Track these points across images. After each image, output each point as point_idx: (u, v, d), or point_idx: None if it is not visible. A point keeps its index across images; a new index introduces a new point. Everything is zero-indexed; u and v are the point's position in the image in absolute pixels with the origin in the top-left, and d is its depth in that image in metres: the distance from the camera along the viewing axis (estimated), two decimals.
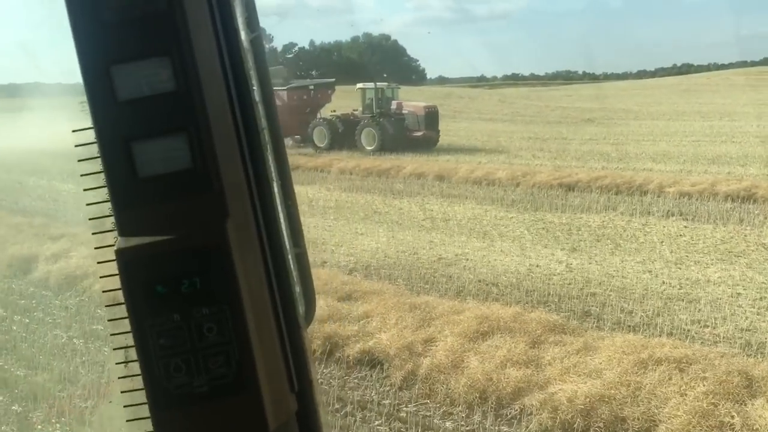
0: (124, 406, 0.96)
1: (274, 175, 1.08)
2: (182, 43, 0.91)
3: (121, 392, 0.97)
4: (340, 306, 8.38)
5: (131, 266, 0.92)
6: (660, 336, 7.49)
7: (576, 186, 17.81)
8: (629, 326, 8.10)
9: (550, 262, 11.13)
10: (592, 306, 8.91)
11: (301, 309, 1.11)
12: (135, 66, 0.90)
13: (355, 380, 7.02)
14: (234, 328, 0.93)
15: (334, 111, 30.29)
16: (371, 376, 7.03)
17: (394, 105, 29.65)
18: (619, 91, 79.20)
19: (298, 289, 1.11)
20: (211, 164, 0.92)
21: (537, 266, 10.94)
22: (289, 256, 1.08)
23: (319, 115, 30.12)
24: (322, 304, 8.37)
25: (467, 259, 11.51)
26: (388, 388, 6.81)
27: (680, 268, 10.49)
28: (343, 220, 15.38)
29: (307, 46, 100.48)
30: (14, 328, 8.75)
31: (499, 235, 13.40)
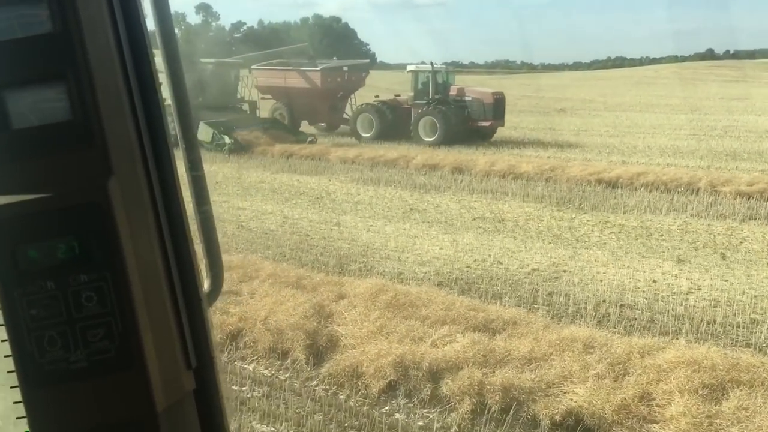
0: (11, 387, 0.85)
1: (178, 136, 0.97)
2: None
3: (8, 372, 0.85)
4: (489, 343, 6.60)
5: None
6: None
7: (618, 183, 16.45)
8: None
9: (664, 277, 9.61)
10: None
11: (206, 283, 1.02)
12: (5, 4, 0.78)
13: None
14: (116, 297, 0.81)
15: (378, 96, 27.11)
16: None
17: (453, 91, 25.87)
18: (574, 81, 79.26)
19: (205, 262, 1.02)
20: (92, 116, 0.80)
21: (653, 281, 9.41)
22: (190, 225, 0.94)
23: (351, 101, 27.03)
24: (466, 342, 6.59)
25: (566, 271, 9.88)
26: None
27: None
28: (382, 219, 13.53)
29: (256, 26, 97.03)
30: None
31: (576, 240, 11.83)
